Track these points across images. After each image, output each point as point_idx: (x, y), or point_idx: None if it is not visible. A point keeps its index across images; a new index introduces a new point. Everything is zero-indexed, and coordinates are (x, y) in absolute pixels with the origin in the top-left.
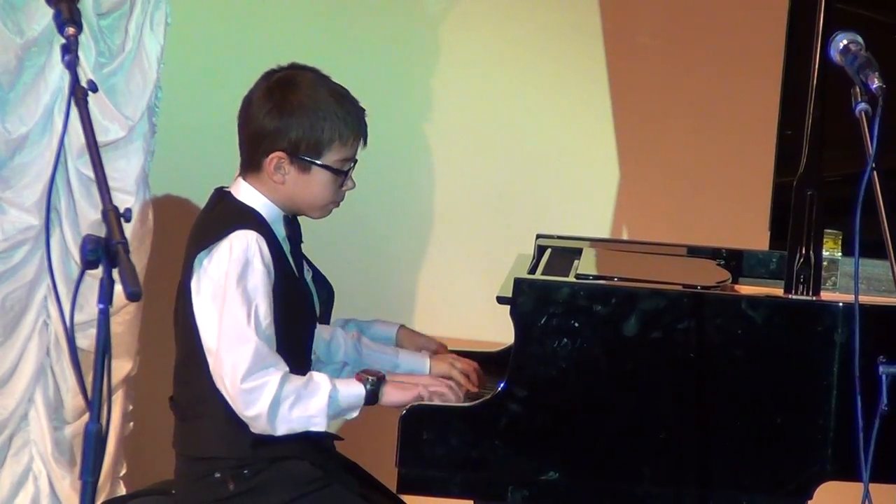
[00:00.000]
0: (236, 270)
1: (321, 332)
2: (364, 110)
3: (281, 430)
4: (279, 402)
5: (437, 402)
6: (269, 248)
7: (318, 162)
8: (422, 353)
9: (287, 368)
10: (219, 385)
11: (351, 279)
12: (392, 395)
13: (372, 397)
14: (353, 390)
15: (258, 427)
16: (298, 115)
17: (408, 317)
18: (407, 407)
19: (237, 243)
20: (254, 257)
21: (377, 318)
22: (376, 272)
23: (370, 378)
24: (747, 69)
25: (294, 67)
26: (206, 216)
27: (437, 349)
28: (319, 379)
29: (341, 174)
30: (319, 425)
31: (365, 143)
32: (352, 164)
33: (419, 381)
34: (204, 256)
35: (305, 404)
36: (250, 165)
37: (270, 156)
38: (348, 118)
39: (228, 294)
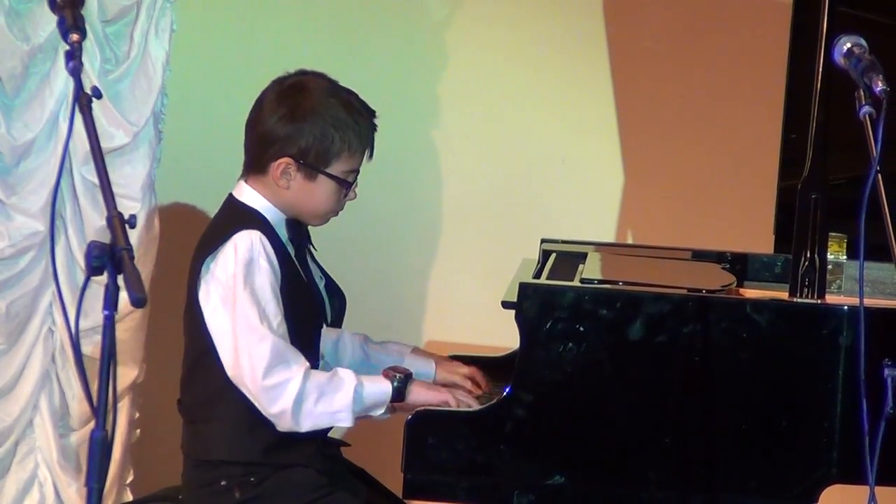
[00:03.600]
0: (242, 270)
1: (328, 333)
2: (375, 125)
3: (306, 426)
4: (303, 398)
5: (464, 406)
6: (273, 248)
7: (326, 171)
8: (426, 359)
9: (308, 364)
10: (240, 386)
11: (356, 284)
12: (419, 394)
13: (398, 395)
14: (380, 387)
15: (283, 424)
16: (310, 123)
17: (413, 321)
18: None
19: (241, 243)
20: (259, 256)
21: (383, 322)
22: (382, 277)
23: (397, 375)
24: (751, 73)
25: (304, 73)
26: (211, 222)
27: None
28: (344, 374)
29: (346, 185)
30: (344, 420)
31: (371, 155)
32: (356, 176)
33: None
34: (210, 261)
35: (330, 399)
36: (255, 168)
37: (278, 161)
38: (359, 130)
39: (238, 295)
